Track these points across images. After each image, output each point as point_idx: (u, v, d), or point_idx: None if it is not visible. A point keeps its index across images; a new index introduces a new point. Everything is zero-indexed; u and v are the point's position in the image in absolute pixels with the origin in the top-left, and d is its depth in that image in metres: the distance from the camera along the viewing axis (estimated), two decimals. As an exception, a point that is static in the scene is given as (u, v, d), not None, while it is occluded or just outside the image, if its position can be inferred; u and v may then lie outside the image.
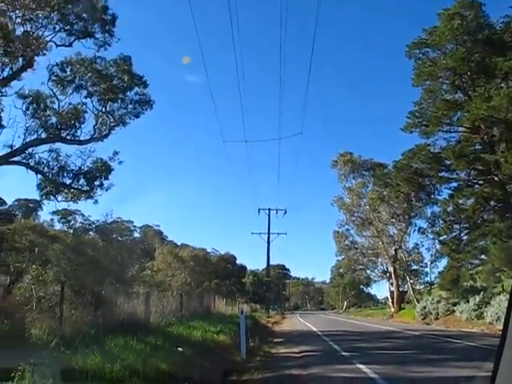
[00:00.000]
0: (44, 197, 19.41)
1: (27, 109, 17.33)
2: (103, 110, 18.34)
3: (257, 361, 9.89)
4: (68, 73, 17.25)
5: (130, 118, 18.88)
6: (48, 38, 15.85)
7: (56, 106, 17.53)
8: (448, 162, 29.26)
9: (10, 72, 15.59)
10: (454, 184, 30.40)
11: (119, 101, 18.31)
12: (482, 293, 25.24)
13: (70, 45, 16.58)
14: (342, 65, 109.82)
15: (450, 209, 30.63)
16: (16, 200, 41.13)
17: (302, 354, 11.27)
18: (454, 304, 27.77)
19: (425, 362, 9.24)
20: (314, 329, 23.28)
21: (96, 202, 19.29)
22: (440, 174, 30.19)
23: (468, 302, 25.49)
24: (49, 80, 17.22)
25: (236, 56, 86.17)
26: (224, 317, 20.70)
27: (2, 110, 17.04)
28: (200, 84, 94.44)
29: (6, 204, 26.08)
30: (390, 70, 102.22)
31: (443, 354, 10.65)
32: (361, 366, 8.69)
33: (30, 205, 41.70)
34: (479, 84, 27.28)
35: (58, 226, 41.00)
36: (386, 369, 8.37)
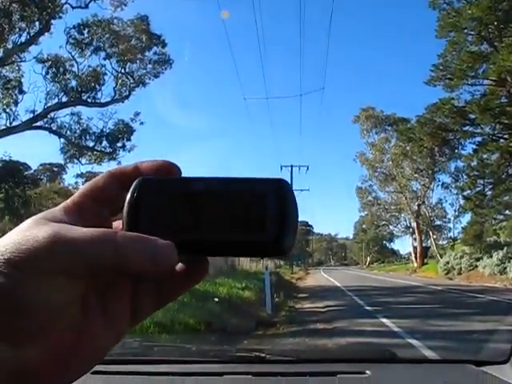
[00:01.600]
0: (68, 160, 19.76)
1: (47, 73, 17.42)
2: (122, 71, 18.33)
3: (282, 316, 10.12)
4: (85, 35, 17.19)
5: (150, 79, 18.84)
6: (63, 1, 15.73)
7: (75, 69, 17.60)
8: (472, 116, 28.53)
9: (28, 37, 15.61)
10: (479, 138, 29.73)
11: (138, 61, 18.26)
12: (505, 248, 25.10)
13: (86, 6, 16.45)
14: (364, 18, 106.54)
15: (474, 164, 30.10)
16: (40, 165, 41.64)
17: (326, 309, 11.47)
18: (477, 259, 27.71)
19: (447, 316, 9.35)
20: (338, 284, 23.56)
21: (119, 163, 19.52)
22: (464, 129, 29.53)
23: (491, 257, 25.41)
24: (67, 43, 17.23)
25: (255, 10, 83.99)
26: (249, 273, 21.08)
27: (22, 76, 17.18)
28: (219, 41, 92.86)
29: (31, 169, 26.62)
30: (413, 22, 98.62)
31: (466, 309, 10.75)
32: (384, 320, 8.85)
33: (55, 169, 42.24)
34: (506, 34, 26.20)
35: (82, 189, 41.75)
36: (409, 323, 8.51)
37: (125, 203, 0.40)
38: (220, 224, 0.39)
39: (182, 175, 0.43)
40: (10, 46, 15.54)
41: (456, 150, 32.76)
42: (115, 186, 0.41)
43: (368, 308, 11.40)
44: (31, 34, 15.52)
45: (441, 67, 29.88)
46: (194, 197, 0.39)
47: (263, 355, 1.49)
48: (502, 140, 28.56)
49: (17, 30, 15.19)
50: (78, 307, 0.36)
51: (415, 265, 45.11)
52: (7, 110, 17.13)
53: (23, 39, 15.53)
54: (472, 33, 28.23)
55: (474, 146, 29.78)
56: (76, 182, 41.19)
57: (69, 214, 0.39)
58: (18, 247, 0.34)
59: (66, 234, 0.35)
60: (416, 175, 44.32)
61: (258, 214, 0.39)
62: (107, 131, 18.87)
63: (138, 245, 0.36)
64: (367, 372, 1.28)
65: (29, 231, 0.36)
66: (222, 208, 0.39)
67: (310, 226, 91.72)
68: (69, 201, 0.41)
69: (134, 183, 0.40)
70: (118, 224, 0.43)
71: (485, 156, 29.23)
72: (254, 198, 0.39)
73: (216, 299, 9.24)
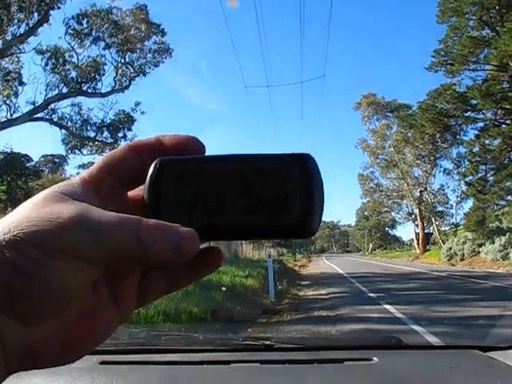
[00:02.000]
0: (69, 151, 19.76)
1: (46, 64, 17.36)
2: (122, 61, 18.26)
3: (285, 303, 10.18)
4: (84, 25, 17.12)
5: (150, 68, 18.77)
6: (62, -10, 15.63)
7: (75, 60, 17.54)
8: (474, 102, 28.39)
9: (27, 28, 15.53)
10: (481, 124, 29.63)
11: (138, 51, 18.18)
12: (507, 233, 25.10)
13: (85, -4, 16.34)
14: (365, 4, 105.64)
15: (476, 149, 29.99)
16: (42, 156, 41.75)
17: (329, 296, 11.52)
18: (480, 245, 27.74)
19: (451, 302, 9.38)
20: (341, 271, 23.63)
21: (121, 153, 19.53)
22: (466, 114, 29.40)
23: (493, 242, 25.43)
24: (66, 34, 17.15)
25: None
26: (252, 261, 21.15)
27: (22, 67, 17.12)
28: (219, 29, 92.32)
29: (33, 160, 26.60)
30: (414, 8, 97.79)
31: (469, 294, 10.78)
32: (387, 307, 8.89)
33: (56, 160, 42.29)
34: (508, 19, 25.96)
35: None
36: (412, 309, 8.54)
37: (144, 188, 0.39)
38: (242, 206, 0.37)
39: (193, 139, 0.41)
40: (8, 37, 15.48)
41: (458, 136, 32.73)
42: (134, 160, 0.40)
43: (371, 295, 11.45)
44: (30, 25, 15.44)
45: (442, 53, 29.72)
46: (215, 178, 0.38)
47: (270, 343, 1.50)
48: (503, 125, 28.43)
49: (15, 21, 15.12)
50: (89, 290, 0.36)
51: (418, 251, 45.19)
52: (7, 102, 17.11)
53: (22, 30, 15.47)
54: (473, 17, 28.01)
55: (476, 132, 29.71)
56: (78, 173, 41.06)
57: (87, 190, 0.38)
58: (40, 225, 0.33)
59: (92, 218, 0.34)
60: (418, 161, 44.22)
61: (282, 194, 0.37)
62: (108, 121, 18.87)
63: (160, 234, 0.35)
64: (374, 359, 1.28)
65: (49, 208, 0.34)
66: (245, 189, 0.37)
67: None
68: (86, 174, 0.39)
69: (153, 164, 0.38)
70: (132, 194, 0.42)
71: (487, 141, 29.11)
72: (278, 177, 0.37)
73: (224, 288, 9.31)
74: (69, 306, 0.35)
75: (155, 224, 0.35)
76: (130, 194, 0.42)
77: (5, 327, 0.32)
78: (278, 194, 0.37)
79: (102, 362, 1.27)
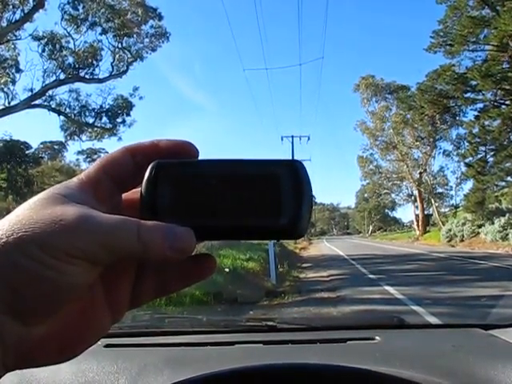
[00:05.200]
0: (68, 137, 19.72)
1: (43, 50, 17.23)
2: (119, 46, 18.12)
3: (286, 286, 10.24)
4: (80, 10, 16.95)
5: (147, 52, 18.63)
6: (57, -25, 15.45)
7: (72, 46, 17.41)
8: (474, 83, 28.21)
9: (22, 14, 15.37)
10: (480, 105, 29.49)
11: (135, 35, 18.03)
12: (507, 214, 25.19)
13: (80, -20, 16.15)
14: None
15: (475, 130, 29.89)
16: (41, 143, 41.57)
17: (330, 278, 11.59)
18: (479, 226, 27.84)
19: (451, 283, 9.45)
20: (341, 253, 23.73)
21: (120, 138, 19.52)
22: (465, 95, 29.25)
23: (493, 223, 25.52)
24: (62, 19, 17.00)
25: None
26: (252, 244, 21.20)
27: (19, 54, 16.99)
28: (217, 11, 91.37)
29: (32, 148, 26.55)
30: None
31: (469, 275, 10.85)
32: (388, 288, 8.95)
33: (55, 147, 42.18)
34: (508, -3, 25.71)
35: (84, 166, 41.77)
36: (412, 290, 8.60)
37: (141, 189, 0.40)
38: (235, 209, 0.39)
39: (188, 143, 0.42)
40: (4, 23, 15.33)
41: (457, 117, 32.56)
42: (131, 162, 0.41)
43: (371, 276, 11.52)
44: (25, 11, 15.28)
45: (441, 33, 29.47)
46: (209, 181, 0.39)
47: (274, 324, 1.51)
48: (503, 106, 28.30)
49: (10, 7, 14.96)
50: (87, 291, 0.38)
51: (417, 233, 45.34)
52: (5, 90, 17.03)
53: (17, 17, 15.31)
54: (473, -4, 27.71)
55: (476, 113, 29.58)
56: (77, 159, 41.07)
57: (85, 192, 0.39)
58: (43, 227, 0.34)
59: (93, 220, 0.35)
60: (417, 143, 44.11)
61: (273, 197, 0.39)
62: (107, 107, 18.79)
63: (158, 233, 0.36)
64: (377, 338, 1.29)
65: (51, 210, 0.35)
66: (238, 192, 0.39)
67: (313, 196, 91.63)
68: (84, 176, 0.40)
69: (150, 167, 0.39)
70: (126, 197, 0.43)
71: (486, 122, 28.99)
72: (269, 181, 0.39)
73: (227, 269, 9.37)
74: (68, 305, 0.36)
75: (153, 224, 0.37)
76: (125, 196, 0.43)
77: (5, 326, 0.33)
78: (270, 197, 0.39)
79: (107, 345, 1.28)
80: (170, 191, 0.39)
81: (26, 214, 0.35)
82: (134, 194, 0.42)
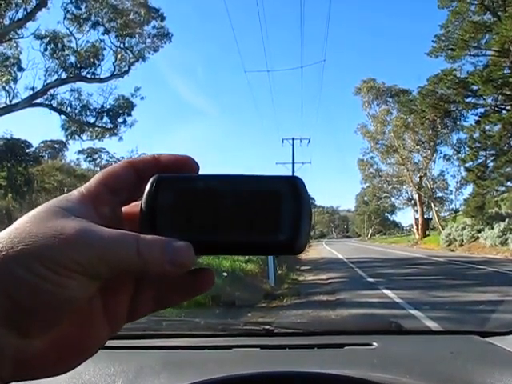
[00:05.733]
0: (69, 137, 19.70)
1: (45, 49, 17.24)
2: (121, 46, 18.13)
3: (285, 288, 10.22)
4: (83, 10, 16.95)
5: (149, 53, 18.64)
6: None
7: (74, 45, 17.41)
8: (475, 87, 28.24)
9: (25, 13, 15.38)
10: (481, 110, 29.52)
11: (137, 36, 18.03)
12: (506, 219, 25.20)
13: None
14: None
15: (476, 135, 29.90)
16: (42, 142, 41.54)
17: (329, 281, 11.58)
18: (479, 231, 27.83)
19: (449, 288, 9.44)
20: (340, 256, 23.71)
21: (121, 138, 19.54)
22: (466, 100, 29.30)
23: (493, 228, 25.51)
24: (64, 18, 17.00)
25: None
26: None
27: (21, 53, 17.00)
28: (219, 13, 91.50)
29: (33, 146, 26.52)
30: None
31: (467, 280, 10.83)
32: (386, 292, 8.94)
33: (56, 146, 42.18)
34: (510, 4, 25.71)
35: (84, 165, 41.74)
36: (411, 294, 8.59)
37: (141, 202, 0.40)
38: (235, 224, 0.39)
39: (188, 158, 0.42)
40: (6, 22, 15.35)
41: (458, 122, 32.60)
42: (132, 176, 0.41)
43: (370, 280, 11.51)
44: (28, 10, 15.29)
45: (443, 38, 29.51)
46: (210, 196, 0.39)
47: (271, 328, 1.51)
48: (504, 111, 28.33)
49: (13, 5, 14.97)
50: (86, 305, 0.38)
51: (417, 236, 45.31)
52: (7, 88, 17.03)
53: (20, 15, 15.32)
54: (475, 2, 27.74)
55: (476, 118, 29.63)
56: (78, 159, 41.05)
57: (85, 205, 0.39)
58: (44, 241, 0.34)
59: (93, 235, 0.35)
60: (418, 147, 44.11)
61: (272, 213, 0.39)
62: (108, 107, 18.79)
63: (158, 248, 0.36)
64: (374, 344, 1.29)
65: (51, 223, 0.35)
66: (238, 208, 0.39)
67: (312, 198, 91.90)
68: (84, 189, 0.40)
69: (150, 181, 0.39)
70: (126, 210, 0.43)
71: (487, 127, 29.01)
72: (269, 197, 0.40)
73: (225, 274, 9.34)
74: (66, 319, 0.36)
75: (153, 239, 0.37)
76: (125, 209, 0.43)
77: (3, 338, 0.33)
78: (270, 213, 0.39)
79: (104, 347, 1.27)
80: (170, 205, 0.39)
81: (25, 227, 0.35)
82: (134, 207, 0.42)
